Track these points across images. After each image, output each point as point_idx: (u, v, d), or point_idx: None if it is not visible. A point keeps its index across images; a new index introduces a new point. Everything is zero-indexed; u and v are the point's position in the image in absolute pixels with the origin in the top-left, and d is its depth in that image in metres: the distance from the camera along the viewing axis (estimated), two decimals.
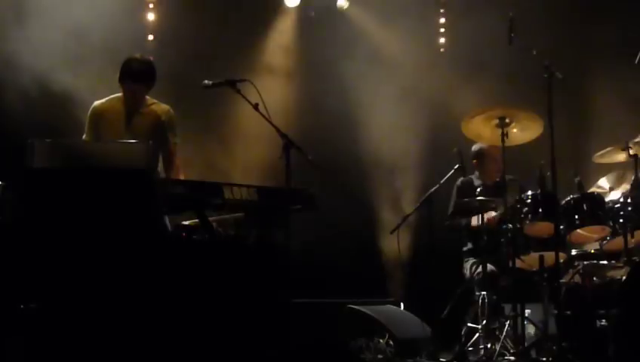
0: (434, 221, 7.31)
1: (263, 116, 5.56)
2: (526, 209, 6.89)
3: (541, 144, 6.70)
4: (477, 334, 6.88)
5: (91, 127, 6.33)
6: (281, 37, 9.93)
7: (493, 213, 7.21)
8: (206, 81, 5.76)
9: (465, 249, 7.77)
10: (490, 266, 7.15)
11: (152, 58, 6.71)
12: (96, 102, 6.42)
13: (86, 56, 8.36)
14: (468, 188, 7.61)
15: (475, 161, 7.89)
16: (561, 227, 6.70)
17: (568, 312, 6.58)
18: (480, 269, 7.14)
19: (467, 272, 7.60)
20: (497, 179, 7.44)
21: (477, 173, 7.94)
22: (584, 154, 7.46)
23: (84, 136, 6.35)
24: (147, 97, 6.42)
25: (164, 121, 6.40)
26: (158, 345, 4.65)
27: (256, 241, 5.35)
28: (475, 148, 7.80)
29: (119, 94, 6.37)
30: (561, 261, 6.66)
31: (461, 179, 7.75)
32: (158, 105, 6.45)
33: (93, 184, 4.65)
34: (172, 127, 6.44)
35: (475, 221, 7.31)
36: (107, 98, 6.42)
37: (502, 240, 7.05)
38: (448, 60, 10.12)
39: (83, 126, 6.45)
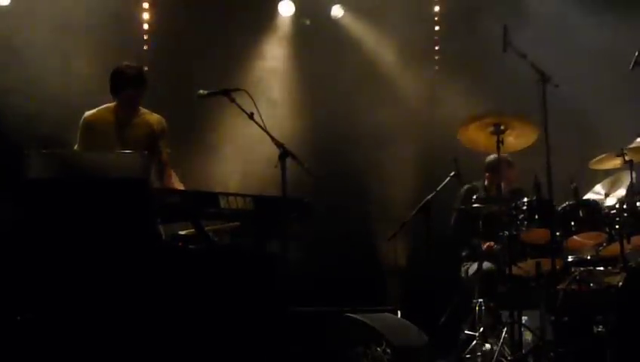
0: (431, 228, 7.30)
1: (259, 125, 5.56)
2: (522, 215, 6.89)
3: (536, 151, 6.70)
4: (474, 341, 6.88)
5: (83, 139, 6.32)
6: (276, 46, 9.94)
7: (491, 243, 7.26)
8: (201, 91, 5.76)
9: (463, 254, 7.79)
10: (487, 263, 7.17)
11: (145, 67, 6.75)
12: (87, 113, 6.40)
13: (81, 63, 8.42)
14: (473, 196, 7.60)
15: (488, 173, 7.86)
16: (558, 233, 6.70)
17: (565, 318, 6.58)
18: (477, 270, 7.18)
19: (464, 276, 7.62)
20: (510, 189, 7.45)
21: (484, 182, 7.93)
22: (580, 161, 7.46)
23: (76, 148, 6.33)
24: (139, 107, 6.42)
25: (157, 130, 6.39)
26: (155, 354, 4.65)
27: (252, 250, 5.36)
28: (490, 159, 7.73)
29: (109, 104, 6.36)
30: (558, 267, 6.66)
31: (467, 186, 7.74)
32: (150, 115, 6.44)
33: (89, 194, 4.65)
34: (165, 136, 6.45)
35: (484, 246, 7.33)
36: (97, 108, 6.41)
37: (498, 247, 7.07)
38: (443, 67, 10.14)
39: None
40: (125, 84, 6.24)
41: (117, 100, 6.31)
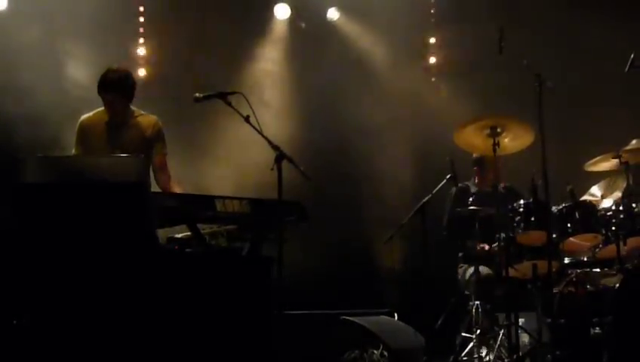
0: (427, 230, 7.31)
1: (255, 128, 5.56)
2: (518, 218, 6.90)
3: (532, 153, 6.70)
4: (471, 343, 6.88)
5: (79, 141, 6.33)
6: (272, 48, 9.94)
7: (484, 246, 7.27)
8: (197, 94, 5.76)
9: (460, 256, 7.79)
10: (484, 268, 7.17)
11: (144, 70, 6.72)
12: (84, 116, 6.40)
13: (77, 67, 8.43)
14: (465, 196, 7.63)
15: (475, 168, 7.94)
16: (554, 235, 6.71)
17: (562, 320, 6.59)
18: (474, 273, 7.17)
19: (461, 278, 7.62)
20: (498, 186, 7.44)
21: (475, 180, 7.98)
22: (576, 163, 7.47)
23: (73, 150, 6.34)
24: (134, 108, 6.40)
25: (152, 132, 6.36)
26: (152, 357, 4.64)
27: (248, 253, 5.35)
28: (476, 155, 7.82)
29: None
30: (554, 269, 6.66)
31: (458, 185, 7.75)
32: (144, 117, 6.41)
33: (85, 198, 4.65)
34: (160, 137, 6.41)
35: (478, 248, 7.35)
36: (94, 111, 6.40)
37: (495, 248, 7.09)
38: (439, 70, 10.14)
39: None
40: (104, 88, 6.23)
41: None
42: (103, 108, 6.36)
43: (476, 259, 7.21)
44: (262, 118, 5.60)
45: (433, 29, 10.21)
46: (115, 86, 6.22)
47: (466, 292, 7.39)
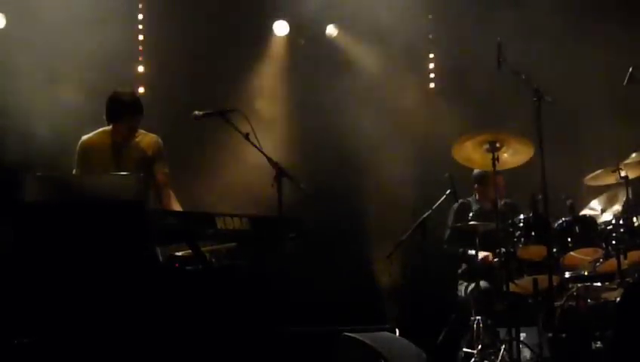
0: (427, 246, 7.31)
1: (254, 145, 5.57)
2: (519, 233, 6.90)
3: (532, 167, 6.71)
4: (473, 359, 6.87)
5: (80, 161, 6.33)
6: (271, 65, 9.96)
7: (488, 254, 7.27)
8: (196, 112, 5.76)
9: (460, 271, 7.78)
10: (484, 283, 7.16)
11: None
12: (84, 137, 6.41)
13: (76, 87, 8.44)
14: (466, 211, 7.63)
15: (476, 185, 7.93)
16: (554, 250, 6.71)
17: (563, 335, 6.58)
18: (474, 288, 7.17)
19: (462, 294, 7.61)
20: (501, 202, 7.43)
21: (476, 196, 7.97)
22: (576, 177, 7.48)
23: (74, 171, 6.33)
24: None
25: (153, 151, 6.37)
26: None
27: (249, 271, 5.35)
28: (477, 172, 7.81)
29: (107, 128, 6.35)
30: (555, 284, 6.66)
31: (460, 201, 7.75)
32: (145, 136, 6.41)
33: (85, 217, 4.64)
34: (161, 156, 6.40)
35: (481, 256, 7.33)
36: (95, 132, 6.41)
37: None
38: (438, 85, 10.16)
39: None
40: (124, 111, 6.23)
41: (114, 126, 6.30)
42: (103, 129, 6.37)
43: (478, 270, 7.19)
44: (261, 135, 5.61)
45: (431, 44, 10.23)
46: (138, 107, 6.27)
47: (467, 308, 7.39)
